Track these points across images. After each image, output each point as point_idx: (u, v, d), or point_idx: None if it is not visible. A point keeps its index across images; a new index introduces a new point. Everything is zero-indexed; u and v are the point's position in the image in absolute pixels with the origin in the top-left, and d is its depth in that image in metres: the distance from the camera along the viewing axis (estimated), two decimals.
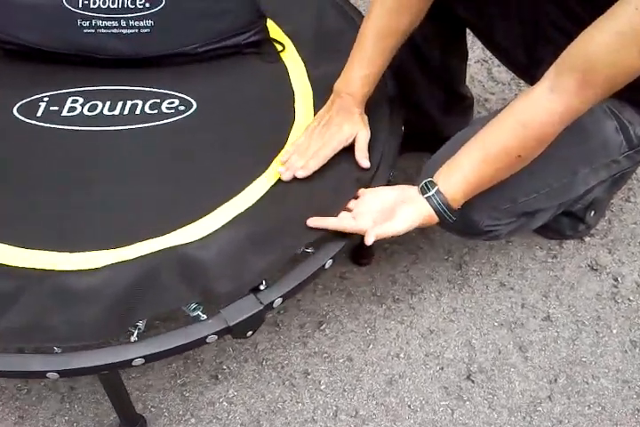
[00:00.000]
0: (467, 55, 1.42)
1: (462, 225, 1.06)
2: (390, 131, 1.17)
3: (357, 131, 1.10)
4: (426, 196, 0.97)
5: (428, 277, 1.40)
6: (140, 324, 0.95)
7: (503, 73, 1.77)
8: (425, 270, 1.41)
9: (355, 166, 1.10)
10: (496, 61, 1.79)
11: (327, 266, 1.03)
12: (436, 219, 0.98)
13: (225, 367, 1.26)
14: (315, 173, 1.09)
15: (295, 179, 1.08)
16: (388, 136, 1.16)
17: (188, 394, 1.23)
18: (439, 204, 0.96)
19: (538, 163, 0.97)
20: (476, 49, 1.78)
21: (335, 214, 1.03)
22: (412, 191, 0.99)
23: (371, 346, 1.29)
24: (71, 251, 1.00)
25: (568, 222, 1.42)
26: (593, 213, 1.42)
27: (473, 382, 1.25)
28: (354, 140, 1.11)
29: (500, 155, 0.94)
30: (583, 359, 1.29)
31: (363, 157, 1.09)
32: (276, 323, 1.32)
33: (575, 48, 0.86)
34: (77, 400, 1.22)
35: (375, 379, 1.25)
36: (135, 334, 0.94)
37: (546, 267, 1.42)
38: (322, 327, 1.32)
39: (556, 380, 1.26)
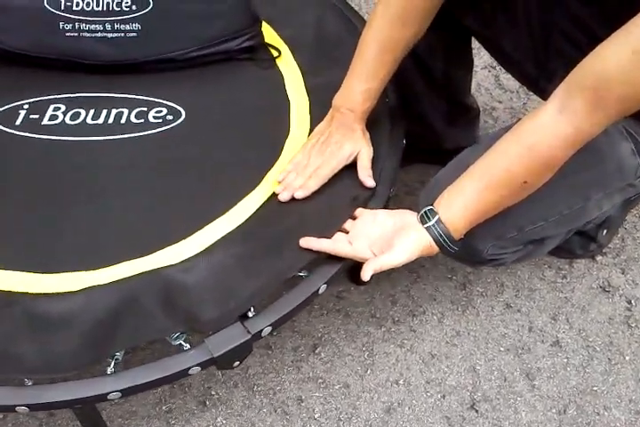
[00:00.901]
0: (472, 66, 1.36)
1: (465, 254, 1.00)
2: (390, 144, 1.11)
3: (359, 149, 1.04)
4: (426, 226, 0.90)
5: (430, 297, 1.32)
6: (118, 354, 0.88)
7: (511, 80, 1.69)
8: (427, 290, 1.33)
9: (352, 183, 1.03)
10: None
11: (321, 291, 0.96)
12: (436, 249, 0.91)
13: (213, 393, 1.19)
14: None
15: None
16: (389, 150, 1.09)
17: (173, 422, 1.15)
18: (440, 235, 0.89)
19: (547, 188, 0.90)
20: (483, 55, 1.70)
21: (330, 235, 0.96)
22: (411, 219, 0.92)
23: (368, 371, 1.22)
24: (44, 272, 0.93)
25: (579, 241, 1.34)
26: (605, 231, 1.35)
27: (477, 411, 1.17)
28: (355, 158, 1.04)
29: (504, 181, 0.87)
30: (594, 388, 1.21)
31: (366, 176, 1.03)
32: (269, 345, 1.24)
33: (586, 66, 0.79)
34: None
35: (373, 407, 1.18)
36: (112, 366, 0.87)
37: (555, 288, 1.34)
38: (317, 351, 1.24)
39: (565, 410, 1.18)
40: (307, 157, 1.03)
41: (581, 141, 0.83)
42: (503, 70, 1.71)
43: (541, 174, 0.87)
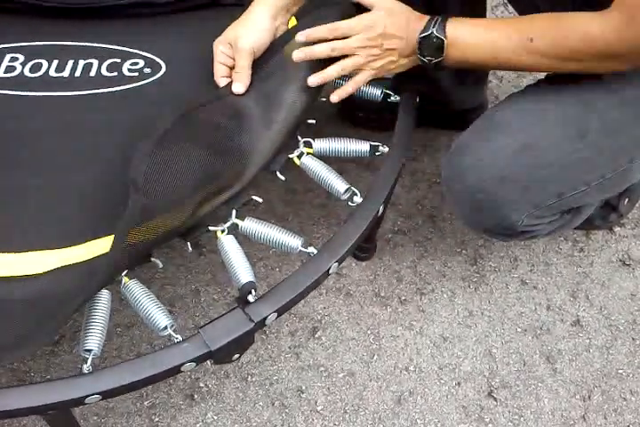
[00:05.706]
0: (485, 11, 1.21)
1: (496, 225, 0.89)
2: (405, 102, 0.97)
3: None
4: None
5: (439, 273, 1.20)
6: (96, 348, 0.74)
7: None
8: (435, 266, 1.21)
9: None
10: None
11: (332, 270, 0.83)
12: (416, 30, 0.83)
13: (202, 385, 1.05)
14: None
15: None
16: (404, 108, 0.97)
17: (157, 419, 1.02)
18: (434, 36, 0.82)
19: (589, 149, 0.82)
20: None
21: None
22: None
23: (375, 357, 1.10)
24: None
25: (598, 211, 1.22)
26: (627, 200, 1.24)
27: (495, 399, 1.06)
28: None
29: (548, 46, 0.79)
30: (619, 371, 1.11)
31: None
32: (263, 330, 1.11)
33: None
34: None
35: (381, 397, 1.06)
36: (89, 363, 0.73)
37: (572, 262, 1.23)
38: (317, 335, 1.12)
39: (589, 396, 1.08)
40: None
41: None
42: None
43: (592, 56, 0.78)
